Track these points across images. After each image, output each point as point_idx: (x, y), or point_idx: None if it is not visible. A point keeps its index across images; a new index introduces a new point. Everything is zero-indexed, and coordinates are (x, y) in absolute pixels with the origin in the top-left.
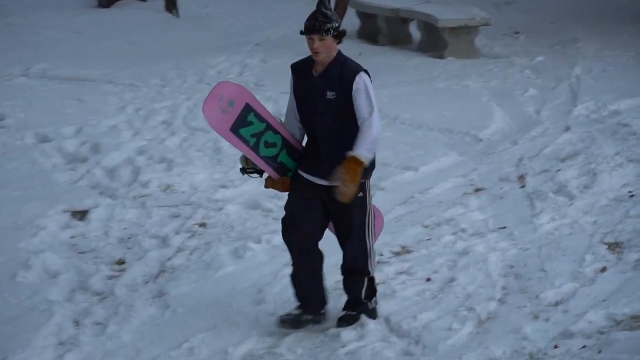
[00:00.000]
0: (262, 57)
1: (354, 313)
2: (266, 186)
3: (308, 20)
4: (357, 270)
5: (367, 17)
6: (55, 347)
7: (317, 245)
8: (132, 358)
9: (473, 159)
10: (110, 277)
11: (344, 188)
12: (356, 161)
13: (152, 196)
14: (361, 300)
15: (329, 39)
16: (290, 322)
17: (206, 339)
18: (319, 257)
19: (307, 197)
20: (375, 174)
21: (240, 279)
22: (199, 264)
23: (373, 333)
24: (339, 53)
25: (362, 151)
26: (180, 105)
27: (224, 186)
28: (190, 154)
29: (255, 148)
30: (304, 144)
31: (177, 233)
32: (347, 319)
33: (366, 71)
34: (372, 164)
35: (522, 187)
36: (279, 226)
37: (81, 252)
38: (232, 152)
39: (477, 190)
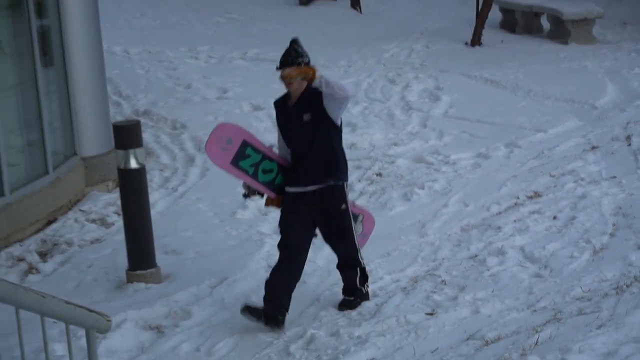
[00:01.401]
0: (425, 43)
1: (352, 298)
2: (266, 205)
3: (282, 56)
4: (351, 265)
5: (507, 12)
6: (266, 269)
7: (304, 256)
8: (324, 278)
9: (590, 123)
10: None
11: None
12: (315, 70)
13: None
14: (356, 287)
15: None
16: (252, 312)
17: (382, 264)
18: (301, 266)
19: (296, 212)
20: (513, 135)
21: (408, 217)
22: (376, 204)
23: (511, 260)
24: (308, 84)
25: (326, 76)
26: (362, 81)
27: (396, 144)
28: (370, 119)
29: (254, 176)
30: None
31: (359, 180)
32: (347, 304)
33: None
34: (345, 174)
35: (629, 145)
36: (439, 175)
37: None
38: (403, 118)
39: (593, 147)
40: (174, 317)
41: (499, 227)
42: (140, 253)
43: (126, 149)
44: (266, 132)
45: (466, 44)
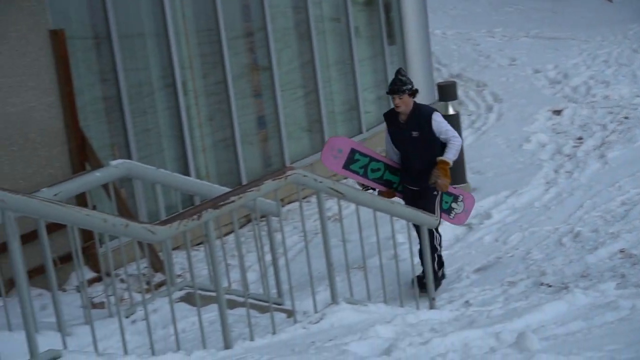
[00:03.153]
0: None
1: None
2: (378, 195)
3: (390, 84)
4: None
5: None
6: (544, 185)
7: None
8: (586, 191)
9: None
10: (574, 146)
11: (440, 181)
12: (444, 162)
13: (597, 102)
14: (434, 270)
15: (406, 97)
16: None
17: (629, 181)
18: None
19: (410, 200)
20: None
21: None
22: (623, 139)
23: None
24: (414, 103)
25: (449, 156)
26: (612, 51)
27: (637, 96)
28: (619, 78)
29: (364, 175)
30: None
31: (611, 122)
32: (424, 286)
33: (437, 110)
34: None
35: None
36: None
37: (557, 133)
38: None
39: None
40: (480, 217)
41: None
42: (456, 172)
43: (446, 101)
44: (543, 89)
45: None
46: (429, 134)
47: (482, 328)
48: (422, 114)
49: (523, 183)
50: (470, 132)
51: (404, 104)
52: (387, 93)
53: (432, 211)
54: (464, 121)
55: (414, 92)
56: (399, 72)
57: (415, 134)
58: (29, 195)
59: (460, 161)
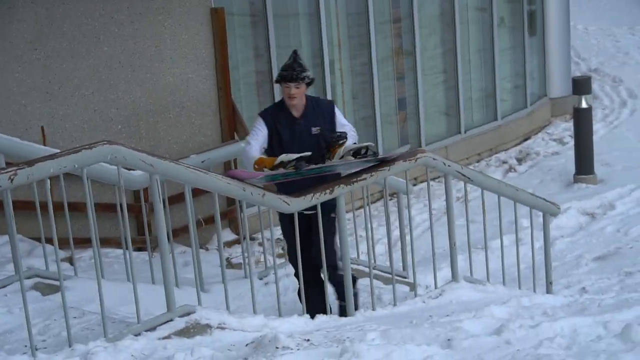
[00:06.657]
0: None
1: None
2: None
3: (285, 70)
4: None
5: None
6: None
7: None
8: None
9: None
10: None
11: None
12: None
13: None
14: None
15: (303, 86)
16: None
17: None
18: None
19: (304, 233)
20: None
21: None
22: None
23: None
24: (305, 95)
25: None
26: None
27: None
28: None
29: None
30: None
31: None
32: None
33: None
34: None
35: None
36: None
37: None
38: None
39: None
40: (603, 208)
41: None
42: (584, 163)
43: (580, 95)
44: None
45: None
46: (331, 126)
47: (592, 316)
48: (320, 106)
49: None
50: (602, 125)
51: (300, 95)
52: (278, 81)
53: (332, 246)
54: (597, 114)
55: (311, 82)
56: (296, 54)
57: (315, 130)
58: (176, 162)
59: (589, 153)
